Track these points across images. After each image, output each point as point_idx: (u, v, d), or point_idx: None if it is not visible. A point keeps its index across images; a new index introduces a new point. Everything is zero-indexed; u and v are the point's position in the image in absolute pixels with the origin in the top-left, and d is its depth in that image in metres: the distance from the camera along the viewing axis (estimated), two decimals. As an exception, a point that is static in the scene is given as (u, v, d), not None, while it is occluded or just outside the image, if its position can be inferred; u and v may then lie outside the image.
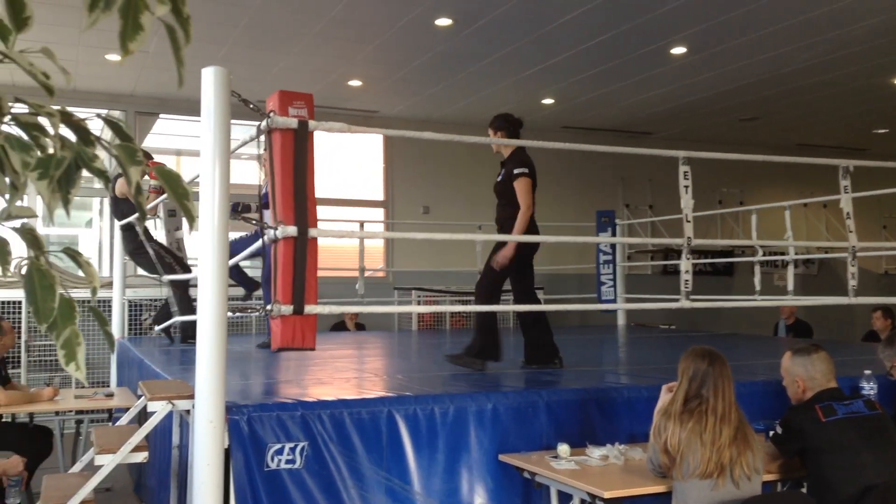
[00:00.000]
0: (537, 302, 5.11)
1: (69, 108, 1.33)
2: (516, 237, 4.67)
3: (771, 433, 3.43)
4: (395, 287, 10.47)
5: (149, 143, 10.79)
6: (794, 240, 7.61)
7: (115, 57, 8.27)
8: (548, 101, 10.18)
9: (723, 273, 12.30)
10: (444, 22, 7.37)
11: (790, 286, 7.19)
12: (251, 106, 3.79)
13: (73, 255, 1.35)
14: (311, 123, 3.72)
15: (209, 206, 3.28)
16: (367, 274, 8.83)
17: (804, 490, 3.46)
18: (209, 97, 3.32)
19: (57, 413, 5.52)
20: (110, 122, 1.33)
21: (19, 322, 8.26)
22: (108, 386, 7.27)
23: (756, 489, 3.01)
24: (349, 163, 11.04)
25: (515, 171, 4.77)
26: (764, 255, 8.25)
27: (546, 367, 4.93)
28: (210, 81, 3.33)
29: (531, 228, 4.78)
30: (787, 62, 8.55)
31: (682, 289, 4.49)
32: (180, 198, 1.26)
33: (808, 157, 5.84)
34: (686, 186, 4.49)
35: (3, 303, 8.34)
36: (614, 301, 9.69)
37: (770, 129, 11.92)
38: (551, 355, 4.97)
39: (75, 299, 1.26)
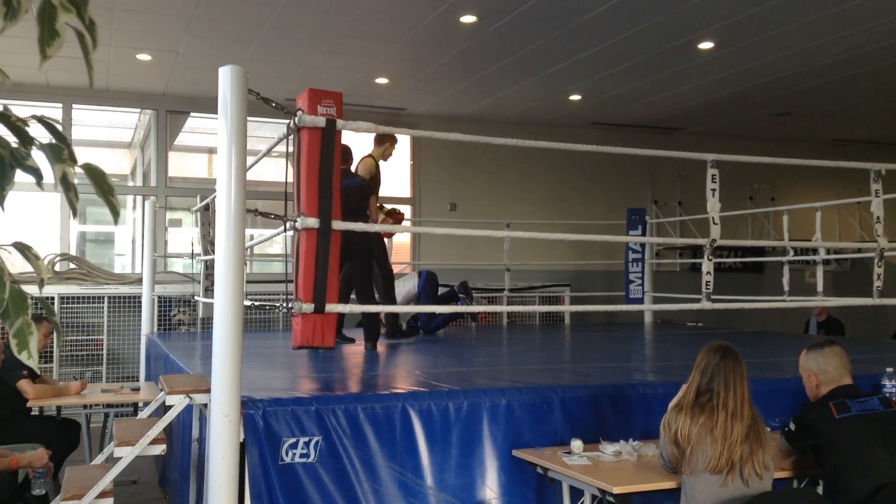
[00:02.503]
0: (370, 291, 6.15)
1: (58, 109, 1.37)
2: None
3: (785, 429, 3.40)
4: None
5: (180, 141, 10.95)
6: (826, 237, 7.50)
7: (146, 57, 8.40)
8: (575, 97, 10.13)
9: (753, 270, 12.15)
10: (468, 19, 7.37)
11: (820, 286, 7.10)
12: (273, 104, 3.84)
13: (22, 248, 1.39)
14: (339, 122, 3.76)
15: (225, 202, 3.32)
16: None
17: (820, 487, 3.43)
18: (226, 96, 3.37)
19: (85, 407, 5.63)
20: (45, 122, 1.38)
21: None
22: (138, 380, 7.41)
23: (766, 486, 2.98)
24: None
25: None
26: (795, 254, 8.16)
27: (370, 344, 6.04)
28: (227, 80, 3.38)
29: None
30: (819, 56, 8.41)
31: (703, 290, 4.47)
32: (105, 194, 1.31)
33: (841, 158, 5.79)
34: (713, 190, 4.46)
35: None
36: (642, 299, 9.65)
37: (803, 124, 11.74)
38: (373, 338, 6.13)
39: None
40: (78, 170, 1.35)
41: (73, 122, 9.79)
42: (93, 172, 1.30)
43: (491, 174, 11.30)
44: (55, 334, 5.66)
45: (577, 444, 3.51)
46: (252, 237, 9.84)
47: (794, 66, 8.78)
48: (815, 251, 8.54)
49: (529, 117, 11.08)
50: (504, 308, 7.34)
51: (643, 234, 9.67)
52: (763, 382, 4.28)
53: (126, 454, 3.41)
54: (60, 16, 1.20)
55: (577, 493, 3.38)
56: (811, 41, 7.93)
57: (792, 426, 3.34)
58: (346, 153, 6.09)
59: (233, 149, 3.34)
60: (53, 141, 1.33)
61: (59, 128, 1.35)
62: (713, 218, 4.29)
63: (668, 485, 3.10)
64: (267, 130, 10.82)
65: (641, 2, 6.91)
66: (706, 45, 8.06)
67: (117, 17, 7.22)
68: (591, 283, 11.09)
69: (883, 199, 4.88)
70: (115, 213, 1.35)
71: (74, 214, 1.37)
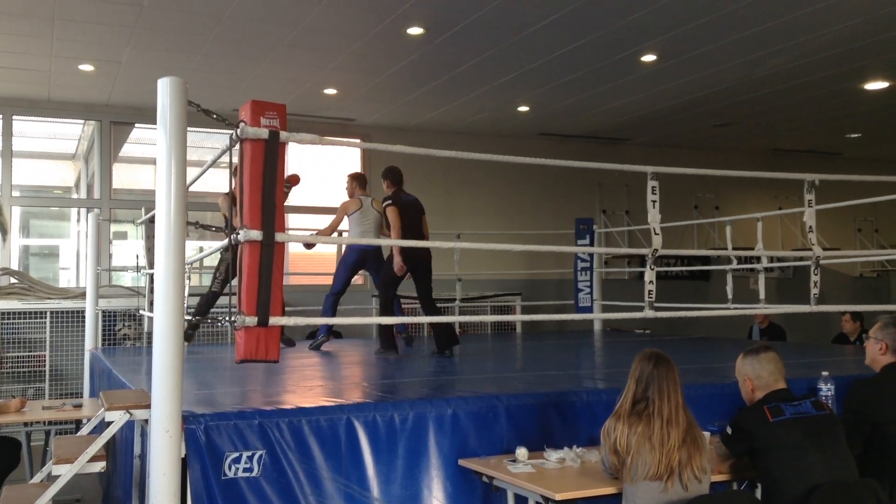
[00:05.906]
0: (433, 302, 6.66)
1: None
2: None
3: (722, 433, 3.48)
4: (374, 295, 10.47)
5: (125, 152, 10.78)
6: (769, 244, 7.65)
7: (88, 67, 8.27)
8: (523, 108, 10.24)
9: (699, 278, 12.37)
10: (415, 31, 7.41)
11: (762, 294, 7.25)
12: (214, 116, 3.80)
13: None
14: (283, 134, 3.72)
15: (165, 214, 3.29)
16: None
17: (759, 489, 3.50)
18: (165, 107, 3.34)
19: (25, 424, 5.49)
20: None
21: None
22: (82, 397, 7.25)
23: (704, 489, 3.05)
24: (328, 171, 11.04)
25: (384, 203, 6.68)
26: (738, 262, 8.33)
27: (443, 352, 6.37)
28: (166, 92, 3.35)
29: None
30: (757, 68, 8.63)
31: (646, 298, 4.55)
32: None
33: (781, 167, 5.96)
34: (654, 201, 4.55)
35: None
36: (591, 307, 9.75)
37: (743, 134, 12.02)
38: (447, 345, 6.42)
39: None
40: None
41: (13, 133, 9.58)
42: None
43: (441, 185, 11.33)
44: None
45: (521, 452, 3.53)
46: (202, 249, 9.72)
47: (733, 78, 9.00)
48: (757, 259, 8.73)
49: (479, 128, 11.16)
50: (456, 318, 7.37)
51: (591, 244, 9.79)
52: (705, 387, 4.37)
53: (65, 472, 3.34)
54: None
55: (521, 501, 3.40)
56: (749, 54, 8.14)
57: (729, 430, 3.41)
58: (398, 174, 6.94)
59: (172, 161, 3.30)
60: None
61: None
62: (654, 229, 4.38)
63: (610, 490, 3.14)
64: (215, 141, 10.71)
65: (585, 15, 7.02)
66: (649, 58, 8.21)
67: (58, 27, 7.10)
68: (543, 292, 11.19)
69: (825, 204, 5.03)
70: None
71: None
